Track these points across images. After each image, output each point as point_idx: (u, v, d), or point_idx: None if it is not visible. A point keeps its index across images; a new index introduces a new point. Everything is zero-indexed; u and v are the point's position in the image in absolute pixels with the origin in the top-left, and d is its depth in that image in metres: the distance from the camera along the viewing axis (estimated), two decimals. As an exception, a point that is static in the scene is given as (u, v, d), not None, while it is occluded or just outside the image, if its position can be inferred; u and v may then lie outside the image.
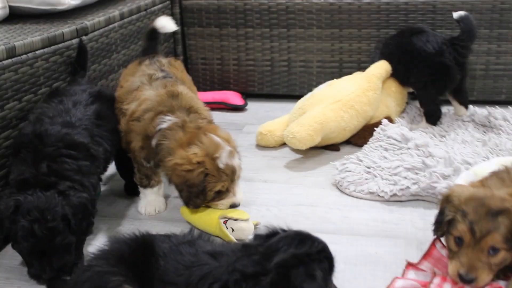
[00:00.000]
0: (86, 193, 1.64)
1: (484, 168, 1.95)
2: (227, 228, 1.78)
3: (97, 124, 1.83)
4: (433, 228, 1.54)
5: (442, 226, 1.50)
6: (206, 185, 1.75)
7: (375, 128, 2.44)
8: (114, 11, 2.47)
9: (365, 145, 2.40)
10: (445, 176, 2.01)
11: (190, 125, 1.83)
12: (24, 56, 1.85)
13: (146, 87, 1.97)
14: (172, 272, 1.30)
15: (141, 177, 1.98)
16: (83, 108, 1.83)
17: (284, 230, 1.32)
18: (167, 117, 1.83)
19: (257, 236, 1.36)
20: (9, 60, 1.79)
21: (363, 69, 2.70)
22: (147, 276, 1.32)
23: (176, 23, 3.07)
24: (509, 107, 2.66)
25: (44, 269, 1.53)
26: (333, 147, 2.50)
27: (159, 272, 1.31)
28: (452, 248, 1.47)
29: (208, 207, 1.85)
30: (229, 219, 1.79)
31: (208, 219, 1.82)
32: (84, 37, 2.19)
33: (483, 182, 1.55)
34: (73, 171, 1.64)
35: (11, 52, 1.79)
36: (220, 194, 1.80)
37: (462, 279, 1.41)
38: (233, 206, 1.83)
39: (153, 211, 2.01)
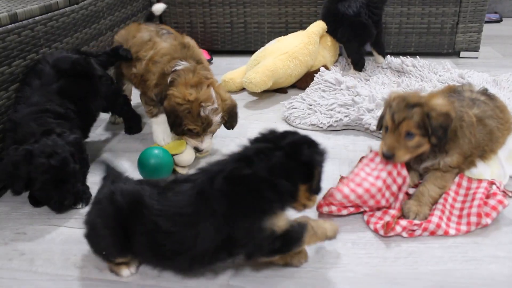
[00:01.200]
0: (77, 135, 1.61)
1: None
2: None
3: (60, 96, 1.68)
4: (376, 124, 1.57)
5: (380, 121, 1.53)
6: (184, 120, 1.68)
7: (315, 74, 2.41)
8: (100, -16, 2.33)
9: (307, 88, 2.37)
10: (370, 110, 2.01)
11: (201, 72, 1.74)
12: (25, 22, 1.74)
13: (157, 39, 1.88)
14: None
15: (150, 108, 1.88)
16: (47, 87, 1.68)
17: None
18: (182, 62, 1.75)
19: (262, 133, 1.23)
20: (12, 25, 1.67)
21: (304, 28, 2.63)
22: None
23: (152, -6, 2.99)
24: (417, 57, 2.66)
25: (64, 196, 1.51)
26: (282, 90, 2.47)
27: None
28: (382, 135, 1.50)
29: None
30: (173, 154, 1.73)
31: None
32: (75, 6, 2.07)
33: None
34: (57, 124, 1.60)
35: (14, 18, 1.68)
36: (191, 134, 1.72)
37: (384, 155, 1.43)
38: (197, 149, 1.75)
39: (169, 138, 1.85)
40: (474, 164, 1.55)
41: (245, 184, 1.11)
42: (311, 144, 1.17)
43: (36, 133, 1.53)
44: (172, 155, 1.72)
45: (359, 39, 2.55)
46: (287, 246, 1.18)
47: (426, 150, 1.44)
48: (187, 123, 1.69)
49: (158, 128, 1.86)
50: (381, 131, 1.54)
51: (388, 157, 1.42)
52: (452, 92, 1.63)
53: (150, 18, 2.29)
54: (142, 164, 1.66)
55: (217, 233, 1.11)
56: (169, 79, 1.74)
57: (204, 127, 1.70)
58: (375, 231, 1.39)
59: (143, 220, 1.15)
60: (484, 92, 1.65)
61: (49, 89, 1.67)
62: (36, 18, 1.80)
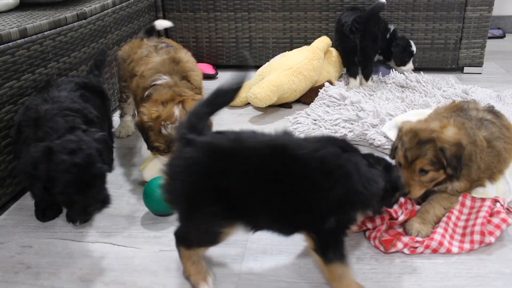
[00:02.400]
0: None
1: (403, 118, 1.97)
2: None
3: (84, 100, 1.58)
4: (389, 153, 1.56)
5: (392, 151, 1.52)
6: (150, 137, 1.66)
7: (319, 90, 2.43)
8: (107, 0, 2.37)
9: (311, 103, 2.39)
10: (374, 125, 2.02)
11: (176, 89, 1.70)
12: (34, 37, 1.76)
13: (153, 54, 1.87)
14: None
15: None
16: (68, 92, 1.58)
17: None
18: (164, 77, 1.74)
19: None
20: (22, 40, 1.70)
21: (308, 43, 2.66)
22: None
23: (158, 9, 3.01)
24: (421, 72, 2.67)
25: (89, 202, 1.32)
26: (287, 105, 2.48)
27: None
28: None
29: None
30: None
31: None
32: (84, 21, 2.10)
33: (426, 118, 1.57)
34: (82, 123, 1.45)
35: (23, 33, 1.70)
36: (159, 150, 1.68)
37: None
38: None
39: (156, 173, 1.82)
40: (483, 185, 1.55)
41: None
42: (392, 166, 1.27)
43: (60, 129, 1.37)
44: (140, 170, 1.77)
45: (341, 47, 2.64)
46: (333, 240, 1.17)
47: (441, 179, 1.44)
48: (152, 140, 1.67)
49: (144, 145, 1.84)
50: (393, 159, 1.53)
51: (404, 194, 1.42)
52: (458, 110, 1.61)
53: (150, 31, 2.25)
54: (148, 195, 1.58)
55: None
56: (146, 93, 1.73)
57: (168, 145, 1.66)
58: (376, 247, 1.39)
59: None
60: (490, 109, 1.63)
61: (72, 94, 1.58)
62: (45, 33, 1.83)
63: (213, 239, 1.17)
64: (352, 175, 1.13)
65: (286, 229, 1.19)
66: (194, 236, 1.19)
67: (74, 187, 1.29)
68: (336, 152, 1.14)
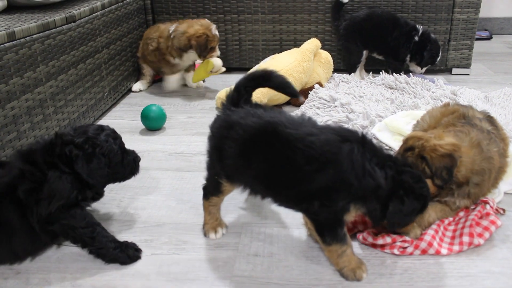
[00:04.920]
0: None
1: (392, 120, 1.99)
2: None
3: None
4: None
5: None
6: (207, 43, 2.51)
7: (309, 92, 2.43)
8: (96, 2, 2.36)
9: (301, 105, 2.39)
10: (364, 126, 2.03)
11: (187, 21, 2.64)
12: (22, 40, 1.75)
13: (162, 26, 2.74)
14: None
15: (172, 70, 2.72)
16: None
17: None
18: (174, 25, 2.61)
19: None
20: (10, 43, 1.68)
21: (298, 45, 2.66)
22: None
23: (148, 12, 3.01)
24: (410, 74, 2.69)
25: (135, 155, 1.52)
26: (277, 107, 2.48)
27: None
28: None
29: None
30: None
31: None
32: (72, 24, 2.09)
33: (422, 124, 1.61)
34: None
35: (11, 36, 1.69)
36: (212, 50, 2.57)
37: None
38: (218, 56, 2.64)
39: (178, 83, 2.81)
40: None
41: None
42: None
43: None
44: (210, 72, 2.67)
45: None
46: (325, 224, 1.24)
47: (433, 191, 1.38)
48: (209, 43, 2.53)
49: (172, 78, 2.75)
50: None
51: None
52: (461, 118, 1.52)
53: None
54: (145, 116, 2.23)
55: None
56: (172, 35, 2.57)
57: (216, 42, 2.59)
58: (364, 240, 1.40)
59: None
60: (488, 118, 1.56)
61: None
62: (34, 36, 1.82)
63: (217, 189, 1.40)
64: (341, 164, 1.16)
65: (277, 200, 1.30)
66: (208, 186, 1.44)
67: (121, 153, 1.45)
68: (329, 140, 1.18)
